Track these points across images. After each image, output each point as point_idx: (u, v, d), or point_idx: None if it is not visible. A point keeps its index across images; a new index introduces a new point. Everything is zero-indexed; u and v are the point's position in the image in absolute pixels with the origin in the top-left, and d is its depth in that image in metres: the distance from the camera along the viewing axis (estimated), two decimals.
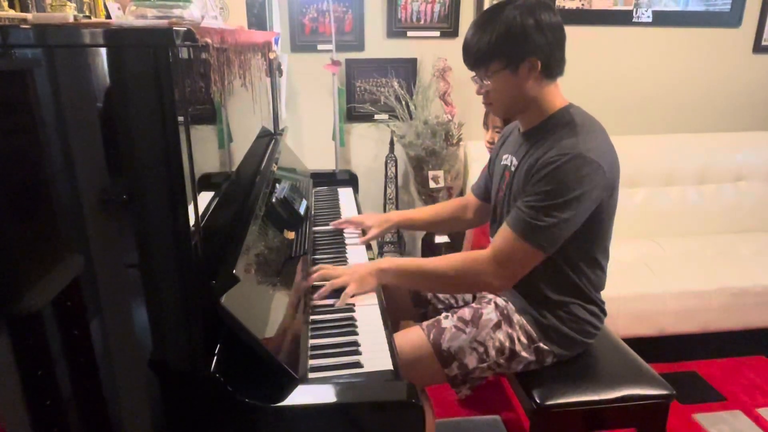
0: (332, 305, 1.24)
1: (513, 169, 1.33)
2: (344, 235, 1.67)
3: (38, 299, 0.81)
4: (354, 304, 1.25)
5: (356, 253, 1.54)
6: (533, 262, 1.22)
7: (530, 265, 1.23)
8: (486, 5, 2.59)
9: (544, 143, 1.23)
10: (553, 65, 1.23)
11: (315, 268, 1.34)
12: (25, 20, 0.78)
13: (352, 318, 1.19)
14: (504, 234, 1.22)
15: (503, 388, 2.08)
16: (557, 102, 1.28)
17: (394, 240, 2.77)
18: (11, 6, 0.84)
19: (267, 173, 1.50)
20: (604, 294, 1.39)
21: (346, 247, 1.58)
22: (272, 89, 2.07)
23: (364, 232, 1.69)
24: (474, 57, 1.25)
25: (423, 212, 1.74)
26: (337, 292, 1.27)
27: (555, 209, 1.16)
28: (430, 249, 2.69)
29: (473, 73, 1.29)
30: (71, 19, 0.79)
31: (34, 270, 0.80)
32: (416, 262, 1.34)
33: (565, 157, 1.16)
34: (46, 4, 0.90)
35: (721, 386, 2.10)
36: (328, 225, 1.74)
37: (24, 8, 0.88)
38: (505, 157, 1.40)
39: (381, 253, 2.75)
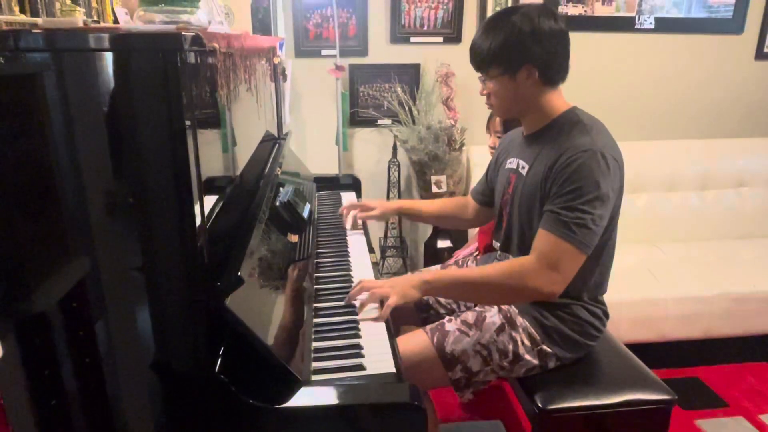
0: (341, 310, 1.22)
1: (522, 172, 1.34)
2: (347, 239, 1.68)
3: (45, 300, 0.82)
4: (356, 306, 1.23)
5: (359, 258, 1.55)
6: (577, 264, 1.21)
7: (575, 268, 1.21)
8: (489, 11, 2.61)
9: (555, 144, 1.25)
10: (552, 72, 1.25)
11: (356, 283, 1.28)
12: (35, 25, 0.79)
13: (355, 321, 1.19)
14: (544, 238, 1.21)
15: (505, 393, 2.08)
16: (560, 105, 1.30)
17: (397, 244, 2.77)
18: (22, 11, 0.86)
19: (271, 177, 1.51)
20: (606, 298, 1.39)
21: (348, 250, 1.59)
22: (276, 94, 2.09)
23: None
24: (477, 60, 1.29)
25: (426, 204, 1.76)
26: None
27: (587, 205, 1.17)
28: (432, 253, 2.70)
29: (480, 73, 1.33)
30: (80, 24, 0.80)
31: (41, 271, 0.81)
32: (461, 272, 1.31)
33: (585, 155, 1.18)
34: (55, 9, 0.91)
35: (723, 392, 2.09)
36: (330, 230, 1.75)
37: (34, 13, 0.89)
38: (510, 161, 1.42)
39: (383, 257, 2.75)
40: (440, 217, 1.75)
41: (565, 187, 1.19)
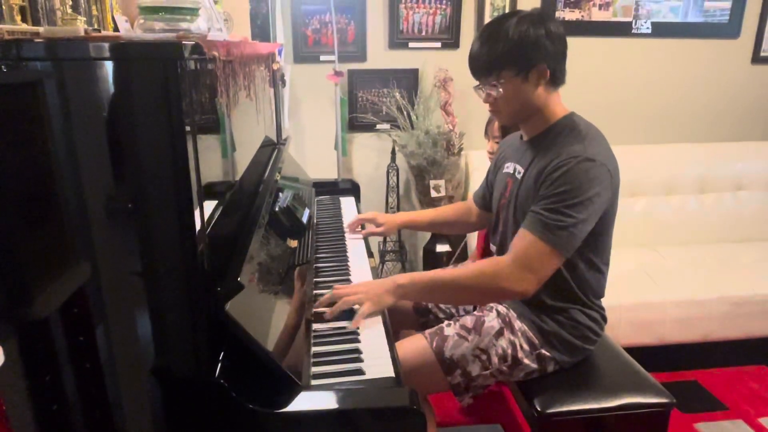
0: (341, 325, 1.19)
1: (518, 176, 1.35)
2: (346, 243, 1.68)
3: (46, 306, 0.82)
4: (355, 311, 1.22)
5: (358, 263, 1.55)
6: (553, 265, 1.22)
7: (550, 269, 1.22)
8: (486, 17, 2.63)
9: (550, 150, 1.26)
10: (558, 73, 1.28)
11: (327, 293, 1.27)
12: (37, 34, 0.80)
13: None
14: (522, 237, 1.22)
15: (504, 397, 2.09)
16: (559, 110, 1.31)
17: (396, 249, 2.78)
18: (23, 19, 0.86)
19: (270, 182, 1.52)
20: (605, 302, 1.40)
21: (348, 255, 1.59)
22: (275, 99, 2.09)
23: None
24: (486, 66, 1.27)
25: (429, 214, 1.77)
26: (349, 312, 1.20)
27: (570, 209, 1.18)
28: (431, 258, 2.71)
29: (476, 84, 1.32)
30: (82, 33, 0.81)
31: (42, 277, 0.82)
32: (434, 273, 1.31)
33: (575, 160, 1.19)
34: (56, 17, 0.92)
35: (722, 395, 2.10)
36: (329, 235, 1.75)
37: (35, 22, 0.90)
38: (507, 165, 1.43)
39: (383, 262, 2.76)
40: (444, 224, 1.75)
41: (551, 190, 1.20)
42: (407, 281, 1.27)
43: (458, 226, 1.75)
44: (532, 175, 1.28)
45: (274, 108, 2.10)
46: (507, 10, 2.61)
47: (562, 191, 1.19)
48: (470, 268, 1.27)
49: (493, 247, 1.50)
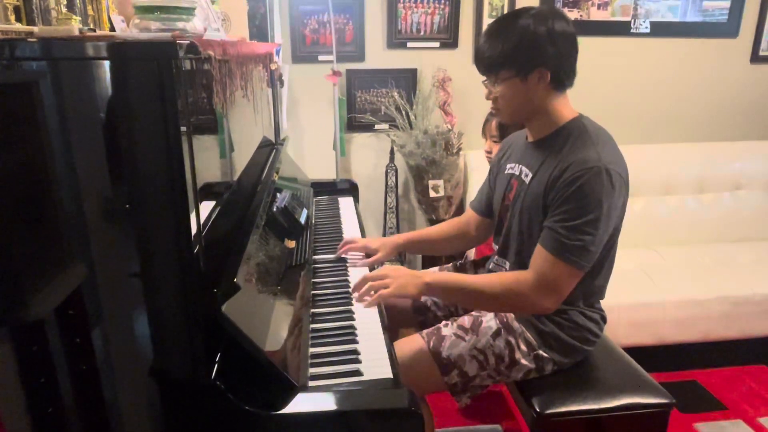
0: (338, 316, 1.23)
1: (525, 179, 1.32)
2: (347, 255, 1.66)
3: (41, 307, 0.82)
4: (353, 311, 1.24)
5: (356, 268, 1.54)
6: (575, 282, 1.23)
7: (573, 283, 1.23)
8: (485, 16, 2.62)
9: (560, 154, 1.24)
10: (562, 76, 1.24)
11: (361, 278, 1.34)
12: (31, 33, 0.80)
13: (352, 326, 1.19)
14: (542, 257, 1.21)
15: (504, 397, 2.08)
16: (566, 112, 1.28)
17: None
18: (18, 19, 0.86)
19: (268, 183, 1.51)
20: (604, 302, 1.39)
21: (346, 256, 1.59)
22: (273, 99, 2.09)
23: (368, 256, 1.60)
24: (485, 63, 1.26)
25: (428, 233, 1.68)
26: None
27: (588, 225, 1.17)
28: (429, 256, 2.70)
29: (483, 78, 1.31)
30: (76, 33, 0.80)
31: (37, 278, 0.81)
32: (460, 280, 1.31)
33: (590, 173, 1.16)
34: (51, 17, 0.92)
35: (721, 395, 2.09)
36: (327, 235, 1.75)
37: (30, 22, 0.90)
38: (510, 166, 1.41)
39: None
40: (444, 241, 1.64)
41: (566, 204, 1.18)
42: (434, 281, 1.28)
43: (460, 241, 1.65)
44: (542, 181, 1.25)
45: (272, 108, 2.10)
46: (506, 10, 2.61)
47: (578, 206, 1.17)
48: (495, 281, 1.27)
49: (495, 247, 1.49)
